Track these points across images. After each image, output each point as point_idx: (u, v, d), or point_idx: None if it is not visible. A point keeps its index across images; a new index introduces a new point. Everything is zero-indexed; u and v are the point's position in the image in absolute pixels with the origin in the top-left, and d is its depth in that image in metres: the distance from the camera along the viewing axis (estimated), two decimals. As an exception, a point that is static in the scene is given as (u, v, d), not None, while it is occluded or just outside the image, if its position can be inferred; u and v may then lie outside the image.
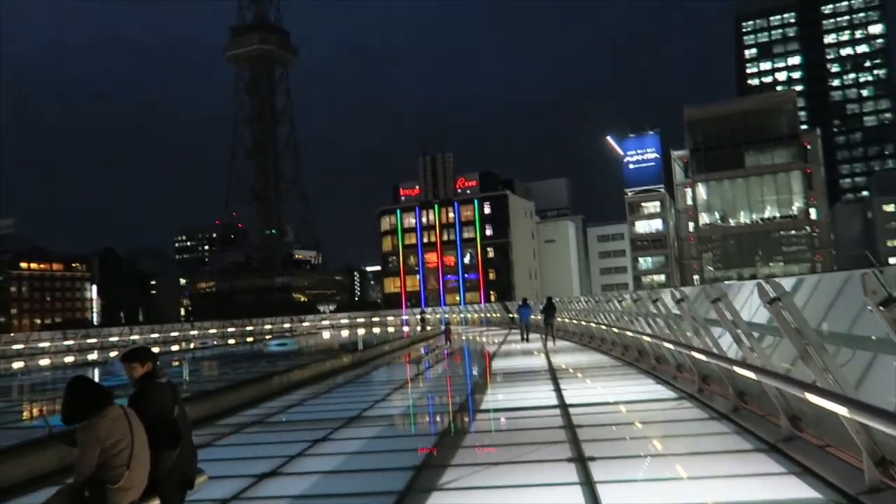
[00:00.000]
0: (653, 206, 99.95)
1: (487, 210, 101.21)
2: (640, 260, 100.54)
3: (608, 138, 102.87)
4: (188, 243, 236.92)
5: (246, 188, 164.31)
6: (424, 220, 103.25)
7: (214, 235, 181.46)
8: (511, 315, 39.81)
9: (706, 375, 9.30)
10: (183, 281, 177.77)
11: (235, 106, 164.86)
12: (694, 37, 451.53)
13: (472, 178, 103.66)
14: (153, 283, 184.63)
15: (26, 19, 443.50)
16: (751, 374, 6.46)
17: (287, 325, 54.22)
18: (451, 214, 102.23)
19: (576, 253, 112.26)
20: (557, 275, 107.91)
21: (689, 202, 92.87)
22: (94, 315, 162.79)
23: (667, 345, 10.47)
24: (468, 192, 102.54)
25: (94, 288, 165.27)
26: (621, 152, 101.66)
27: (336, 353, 18.98)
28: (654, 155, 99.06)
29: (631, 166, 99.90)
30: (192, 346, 38.96)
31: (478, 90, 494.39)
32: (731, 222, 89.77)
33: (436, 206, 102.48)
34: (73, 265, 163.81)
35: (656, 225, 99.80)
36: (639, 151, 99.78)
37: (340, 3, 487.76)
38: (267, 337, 46.73)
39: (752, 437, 6.66)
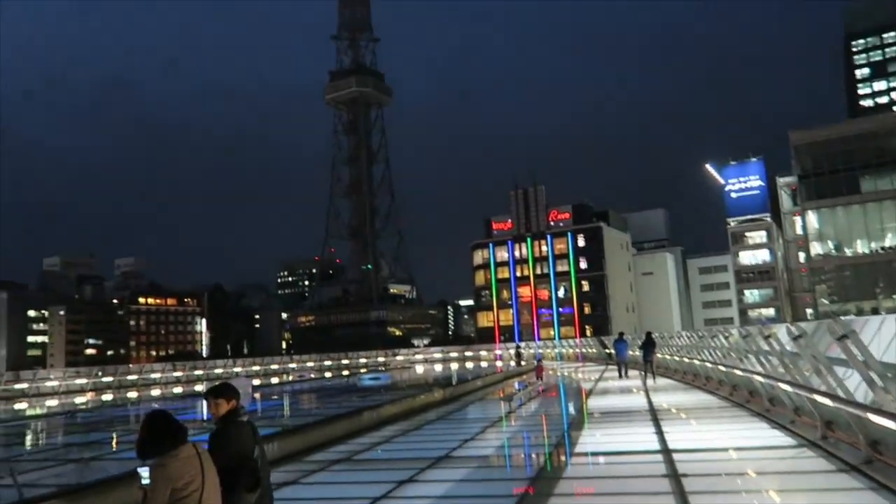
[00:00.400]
0: (758, 236, 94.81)
1: (581, 242, 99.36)
2: (746, 293, 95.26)
3: (707, 166, 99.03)
4: (290, 279, 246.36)
5: (343, 225, 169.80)
6: (517, 253, 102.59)
7: (314, 271, 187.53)
8: (608, 350, 38.40)
9: (830, 421, 8.34)
10: (284, 315, 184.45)
11: (334, 147, 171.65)
12: (796, 58, 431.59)
13: (565, 210, 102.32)
14: (257, 317, 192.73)
15: (145, 74, 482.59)
16: (888, 423, 5.66)
17: (381, 359, 54.81)
18: (544, 247, 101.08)
19: (675, 286, 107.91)
20: (656, 309, 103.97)
21: (799, 231, 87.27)
22: (203, 348, 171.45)
23: (783, 386, 9.52)
24: (561, 224, 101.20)
25: (204, 322, 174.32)
26: (722, 181, 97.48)
27: (427, 388, 18.77)
28: (759, 182, 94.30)
29: (733, 195, 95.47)
30: (290, 378, 39.94)
31: (569, 123, 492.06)
32: (848, 252, 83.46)
33: (528, 240, 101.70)
34: (186, 300, 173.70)
35: (763, 256, 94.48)
36: (741, 179, 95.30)
37: (432, 43, 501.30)
38: (361, 371, 47.33)
39: (890, 494, 5.80)
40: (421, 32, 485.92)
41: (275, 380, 41.10)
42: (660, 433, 10.10)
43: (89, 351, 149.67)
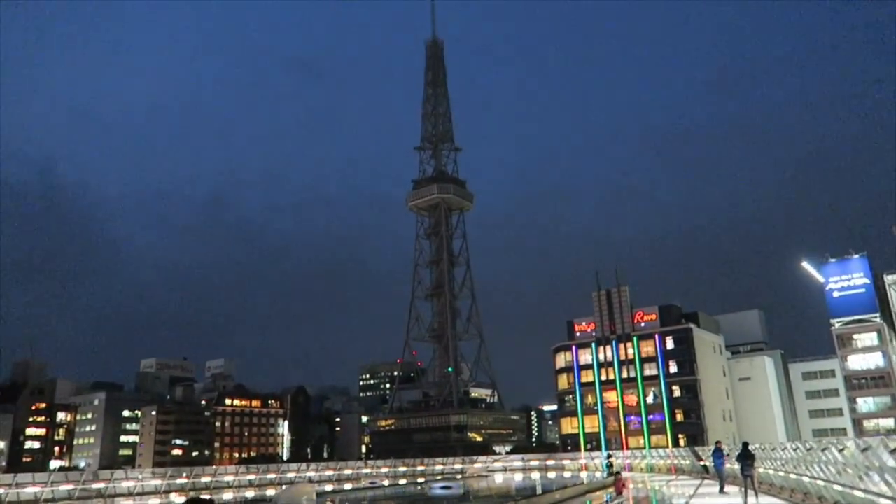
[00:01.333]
0: (868, 339, 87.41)
1: (670, 345, 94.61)
2: (860, 401, 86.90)
3: (804, 264, 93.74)
4: (371, 381, 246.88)
5: (424, 328, 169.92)
6: (601, 356, 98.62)
7: (395, 374, 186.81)
8: (702, 463, 35.02)
9: None
10: (364, 419, 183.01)
11: (416, 251, 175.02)
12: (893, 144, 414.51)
13: (651, 311, 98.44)
14: (338, 419, 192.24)
15: (247, 190, 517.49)
16: None
17: (458, 466, 52.30)
18: (630, 350, 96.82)
19: (777, 392, 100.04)
20: (757, 417, 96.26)
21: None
22: (284, 450, 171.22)
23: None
24: (647, 326, 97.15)
25: (286, 424, 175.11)
26: (821, 279, 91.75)
27: (500, 501, 17.13)
28: (863, 280, 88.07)
29: (835, 294, 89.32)
30: (362, 485, 38.45)
31: (653, 223, 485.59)
32: (975, 356, 75.55)
33: (613, 342, 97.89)
34: (270, 403, 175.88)
35: (875, 360, 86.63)
36: (843, 277, 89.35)
37: (514, 149, 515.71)
38: (437, 478, 45.14)
39: None
40: (503, 139, 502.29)
41: (348, 486, 39.68)
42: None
43: (175, 451, 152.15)
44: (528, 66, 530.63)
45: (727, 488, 21.10)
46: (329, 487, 39.41)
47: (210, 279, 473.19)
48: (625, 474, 39.82)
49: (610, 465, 39.06)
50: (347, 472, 45.28)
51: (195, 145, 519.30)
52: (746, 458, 18.16)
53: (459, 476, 46.22)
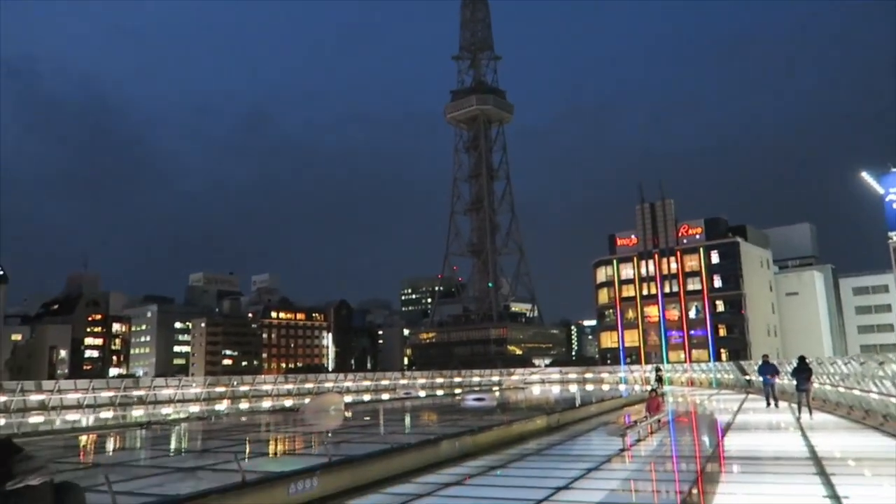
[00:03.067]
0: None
1: (715, 259, 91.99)
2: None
3: (863, 174, 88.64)
4: (413, 296, 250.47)
5: (464, 243, 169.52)
6: (643, 270, 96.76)
7: (436, 288, 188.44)
8: (747, 377, 33.87)
9: None
10: (406, 332, 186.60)
11: (455, 165, 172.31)
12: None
13: (696, 225, 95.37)
14: (380, 332, 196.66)
15: (285, 105, 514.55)
16: None
17: (495, 378, 52.45)
18: (673, 264, 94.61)
19: (826, 308, 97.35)
20: (803, 333, 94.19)
21: (979, 247, 75.89)
22: (329, 361, 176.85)
23: None
24: (692, 239, 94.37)
25: (330, 336, 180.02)
26: (881, 190, 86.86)
27: (530, 414, 16.30)
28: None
29: (895, 205, 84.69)
30: (397, 395, 38.63)
31: (701, 135, 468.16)
32: None
33: (655, 256, 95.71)
34: (314, 315, 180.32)
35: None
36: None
37: (556, 61, 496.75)
38: (475, 389, 45.23)
39: None
40: (546, 51, 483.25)
41: (385, 396, 39.96)
42: (835, 498, 7.14)
43: (226, 361, 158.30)
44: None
45: (780, 404, 19.95)
46: (367, 397, 39.71)
47: (253, 195, 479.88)
48: (678, 389, 38.87)
49: (659, 380, 38.00)
50: (385, 382, 45.70)
51: (232, 62, 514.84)
52: (803, 371, 17.09)
53: (496, 388, 46.26)
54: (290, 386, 39.50)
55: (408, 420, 19.86)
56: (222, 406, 32.48)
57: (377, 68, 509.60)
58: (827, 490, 7.51)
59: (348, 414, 20.69)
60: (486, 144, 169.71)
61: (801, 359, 18.03)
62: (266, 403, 34.37)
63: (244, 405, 33.48)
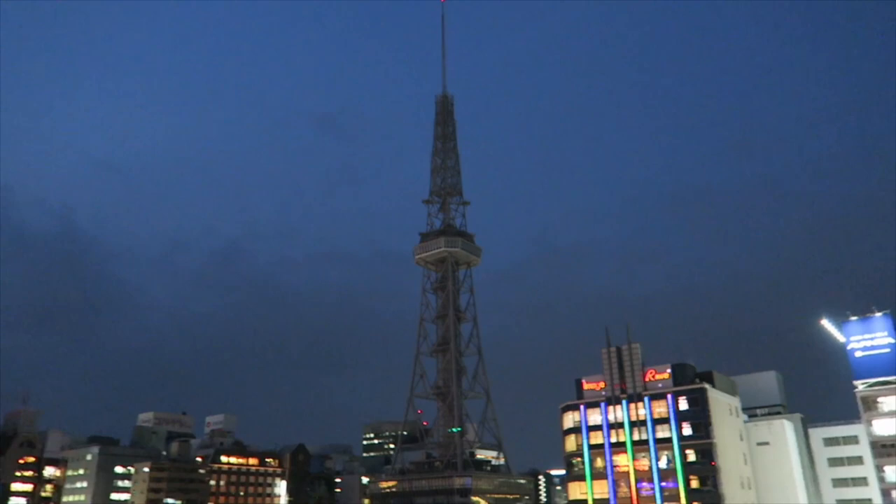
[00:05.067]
0: (894, 402, 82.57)
1: (684, 405, 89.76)
2: (888, 469, 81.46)
3: (824, 322, 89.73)
4: (375, 441, 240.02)
5: (429, 385, 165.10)
6: (612, 416, 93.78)
7: (400, 433, 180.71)
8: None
9: None
10: (366, 480, 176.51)
11: (422, 305, 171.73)
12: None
13: (663, 370, 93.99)
14: (338, 480, 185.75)
15: (262, 242, 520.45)
16: None
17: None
18: (641, 410, 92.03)
19: (798, 459, 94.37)
20: (777, 486, 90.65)
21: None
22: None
23: None
24: (659, 385, 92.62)
25: (283, 484, 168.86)
26: (842, 338, 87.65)
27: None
28: (888, 339, 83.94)
29: (858, 353, 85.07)
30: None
31: (667, 284, 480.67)
32: None
33: (623, 402, 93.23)
34: (268, 460, 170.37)
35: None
36: (866, 336, 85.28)
37: (528, 206, 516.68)
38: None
39: None
40: (515, 198, 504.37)
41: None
42: None
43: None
44: (542, 125, 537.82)
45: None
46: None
47: (217, 331, 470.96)
48: None
49: None
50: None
51: (212, 197, 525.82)
52: None
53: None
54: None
55: None
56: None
57: (352, 208, 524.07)
58: None
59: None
60: (454, 286, 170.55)
61: None
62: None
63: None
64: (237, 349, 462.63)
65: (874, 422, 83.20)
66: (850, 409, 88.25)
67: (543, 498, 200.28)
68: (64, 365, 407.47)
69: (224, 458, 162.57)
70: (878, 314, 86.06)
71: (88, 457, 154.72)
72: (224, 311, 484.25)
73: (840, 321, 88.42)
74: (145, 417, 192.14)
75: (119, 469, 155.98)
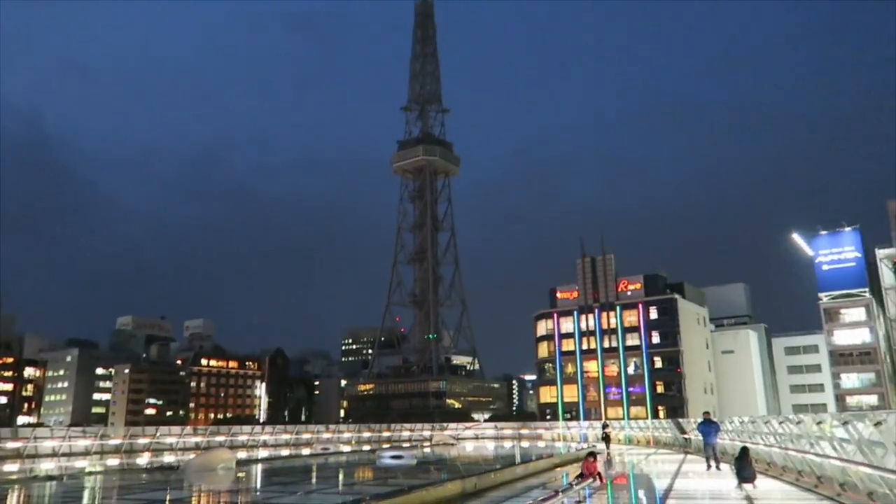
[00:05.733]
0: (856, 313, 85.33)
1: (654, 315, 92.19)
2: (844, 377, 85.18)
3: (795, 236, 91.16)
4: (354, 346, 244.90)
5: (406, 293, 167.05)
6: (584, 325, 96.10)
7: (378, 339, 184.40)
8: (686, 436, 32.33)
9: None
10: (343, 383, 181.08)
11: (400, 214, 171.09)
12: (890, 121, 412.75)
13: (636, 280, 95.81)
14: (317, 383, 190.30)
15: (238, 147, 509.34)
16: None
17: (427, 433, 49.59)
18: (612, 319, 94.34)
19: (760, 367, 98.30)
20: (738, 391, 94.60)
21: (904, 309, 78.16)
22: (261, 412, 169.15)
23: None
24: (630, 294, 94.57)
25: (263, 386, 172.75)
26: (811, 252, 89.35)
27: (443, 478, 13.99)
28: (854, 254, 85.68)
29: (825, 267, 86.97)
30: (310, 452, 35.55)
31: (645, 198, 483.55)
32: (965, 334, 73.68)
33: (596, 311, 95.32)
34: (247, 364, 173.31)
35: (862, 335, 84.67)
36: (834, 250, 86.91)
37: (507, 115, 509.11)
38: (403, 445, 42.38)
39: None
40: (496, 108, 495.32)
41: (306, 451, 36.76)
42: None
43: (150, 411, 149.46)
44: (525, 36, 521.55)
45: (721, 465, 18.26)
46: (285, 452, 36.47)
47: (195, 238, 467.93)
48: (616, 448, 36.25)
49: (606, 439, 35.32)
50: (306, 436, 42.38)
51: (186, 101, 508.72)
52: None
53: (426, 444, 43.45)
54: (197, 438, 35.89)
55: (294, 485, 17.10)
56: (114, 461, 28.78)
57: (330, 114, 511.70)
58: None
59: (241, 474, 17.93)
60: (432, 196, 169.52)
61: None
62: (169, 458, 30.73)
63: (143, 460, 29.84)
64: (214, 256, 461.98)
65: (835, 332, 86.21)
66: (814, 321, 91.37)
67: (516, 401, 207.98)
68: (37, 270, 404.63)
69: (203, 361, 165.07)
70: (847, 229, 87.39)
71: (68, 358, 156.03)
72: (200, 218, 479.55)
73: (810, 236, 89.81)
74: (123, 321, 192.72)
75: (100, 371, 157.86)
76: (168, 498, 13.22)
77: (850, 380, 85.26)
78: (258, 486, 16.68)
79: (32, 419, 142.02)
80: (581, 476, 13.04)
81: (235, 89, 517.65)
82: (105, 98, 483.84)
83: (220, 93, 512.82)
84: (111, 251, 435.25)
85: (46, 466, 26.30)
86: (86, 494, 15.70)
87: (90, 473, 21.65)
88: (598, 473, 13.96)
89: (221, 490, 15.07)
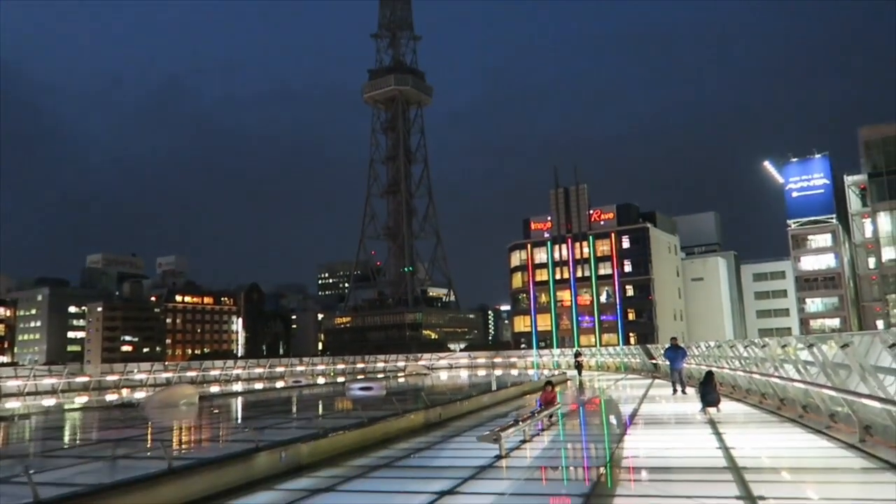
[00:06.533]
0: (822, 240, 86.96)
1: (626, 244, 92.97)
2: (808, 301, 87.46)
3: (766, 164, 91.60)
4: (330, 280, 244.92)
5: (380, 226, 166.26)
6: (557, 255, 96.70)
7: (354, 273, 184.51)
8: (654, 361, 32.88)
9: (868, 425, 8.38)
10: (320, 317, 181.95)
11: (372, 146, 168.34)
12: (862, 50, 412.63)
13: (609, 210, 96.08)
14: (294, 317, 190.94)
15: (206, 76, 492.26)
16: None
17: (401, 364, 50.06)
18: (585, 249, 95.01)
19: (728, 293, 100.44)
20: (706, 317, 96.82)
21: (869, 234, 79.60)
22: (239, 347, 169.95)
23: (828, 392, 9.38)
24: (603, 224, 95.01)
25: (240, 321, 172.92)
26: (781, 179, 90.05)
27: (407, 407, 13.84)
28: (823, 181, 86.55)
29: (794, 194, 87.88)
30: (282, 385, 35.57)
31: (618, 125, 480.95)
32: (925, 258, 75.49)
33: (569, 240, 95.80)
34: (222, 299, 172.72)
35: (827, 261, 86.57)
36: (803, 178, 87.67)
37: (478, 46, 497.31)
38: (377, 376, 42.68)
39: None
40: (467, 37, 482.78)
41: (279, 384, 36.78)
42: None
43: (126, 348, 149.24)
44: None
45: (687, 389, 18.44)
46: (259, 385, 36.44)
47: (163, 173, 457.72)
48: (587, 374, 36.88)
49: (579, 366, 36.01)
50: (279, 369, 42.44)
51: (150, 29, 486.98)
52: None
53: (400, 374, 43.83)
54: (169, 375, 35.62)
55: (253, 419, 16.88)
56: (82, 399, 28.42)
57: (299, 42, 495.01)
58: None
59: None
60: (404, 126, 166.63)
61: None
62: (140, 394, 30.46)
63: (109, 397, 29.52)
64: (184, 191, 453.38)
65: (801, 258, 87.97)
66: (782, 249, 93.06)
67: (492, 331, 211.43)
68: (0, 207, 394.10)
69: (178, 298, 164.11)
70: (817, 156, 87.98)
71: (39, 297, 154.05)
72: (169, 151, 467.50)
73: (781, 164, 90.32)
74: (94, 259, 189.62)
75: (72, 309, 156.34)
76: (119, 437, 12.88)
77: (814, 304, 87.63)
78: (217, 421, 16.42)
79: (6, 359, 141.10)
80: (540, 406, 12.95)
81: (201, 16, 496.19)
82: (65, 26, 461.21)
83: (185, 20, 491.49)
84: (76, 186, 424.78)
85: (12, 406, 25.90)
86: (27, 434, 15.32)
87: (44, 413, 21.27)
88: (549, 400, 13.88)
89: (176, 427, 14.78)
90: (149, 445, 10.87)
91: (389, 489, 7.67)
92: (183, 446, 11.10)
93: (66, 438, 14.30)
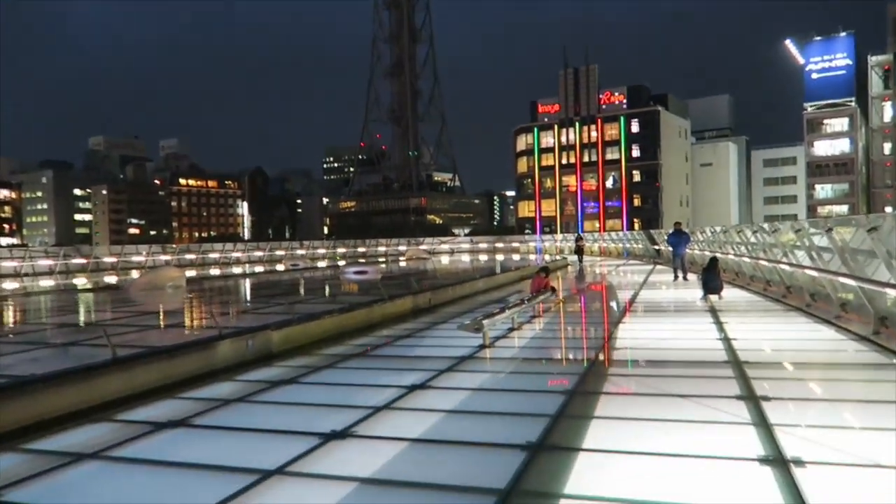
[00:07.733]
0: (839, 124, 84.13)
1: (635, 128, 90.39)
2: (818, 188, 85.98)
3: (787, 42, 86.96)
4: (335, 164, 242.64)
5: (384, 109, 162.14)
6: (564, 139, 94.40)
7: (358, 157, 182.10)
8: (656, 247, 32.31)
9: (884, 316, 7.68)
10: (326, 201, 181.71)
11: (375, 22, 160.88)
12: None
13: (619, 92, 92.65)
14: (299, 201, 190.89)
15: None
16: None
17: (402, 248, 49.87)
18: (593, 133, 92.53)
19: (736, 179, 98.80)
20: (713, 203, 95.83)
21: (888, 118, 76.89)
22: (245, 230, 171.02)
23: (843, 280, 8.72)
24: (614, 107, 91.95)
25: (245, 205, 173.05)
26: (802, 60, 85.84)
27: (395, 292, 13.30)
28: (846, 61, 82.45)
29: (814, 76, 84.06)
30: (281, 267, 35.44)
31: (633, 8, 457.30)
32: (945, 143, 73.28)
33: (577, 123, 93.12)
34: (227, 183, 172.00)
35: (842, 146, 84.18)
36: (825, 58, 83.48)
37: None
38: (379, 260, 42.56)
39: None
40: None
41: (280, 267, 36.67)
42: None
43: (133, 230, 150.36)
44: None
45: (687, 276, 17.89)
46: (259, 269, 36.36)
47: (164, 54, 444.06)
48: (588, 259, 36.56)
49: (579, 251, 35.48)
50: (279, 252, 42.26)
51: None
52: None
53: (401, 259, 43.64)
54: (167, 257, 35.45)
55: (234, 304, 16.48)
56: (82, 280, 28.30)
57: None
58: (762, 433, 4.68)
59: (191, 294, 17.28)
60: (409, 2, 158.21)
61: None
62: (135, 273, 30.31)
63: (112, 279, 29.39)
64: (185, 74, 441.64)
65: (815, 143, 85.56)
66: (796, 134, 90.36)
67: (497, 217, 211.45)
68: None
69: (182, 181, 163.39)
70: (842, 34, 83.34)
71: (44, 180, 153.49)
72: (168, 34, 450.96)
73: (803, 43, 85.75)
74: (96, 141, 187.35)
75: (77, 192, 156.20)
76: (88, 321, 12.47)
77: (823, 191, 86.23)
78: (198, 305, 16.05)
79: (16, 241, 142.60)
80: (534, 293, 12.36)
81: None
82: None
83: None
84: (73, 69, 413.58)
85: (9, 286, 25.79)
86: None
87: (23, 294, 21.04)
88: (552, 288, 13.34)
89: (154, 309, 14.38)
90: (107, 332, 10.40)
91: (355, 381, 7.10)
92: (147, 333, 10.59)
93: (24, 322, 13.93)
